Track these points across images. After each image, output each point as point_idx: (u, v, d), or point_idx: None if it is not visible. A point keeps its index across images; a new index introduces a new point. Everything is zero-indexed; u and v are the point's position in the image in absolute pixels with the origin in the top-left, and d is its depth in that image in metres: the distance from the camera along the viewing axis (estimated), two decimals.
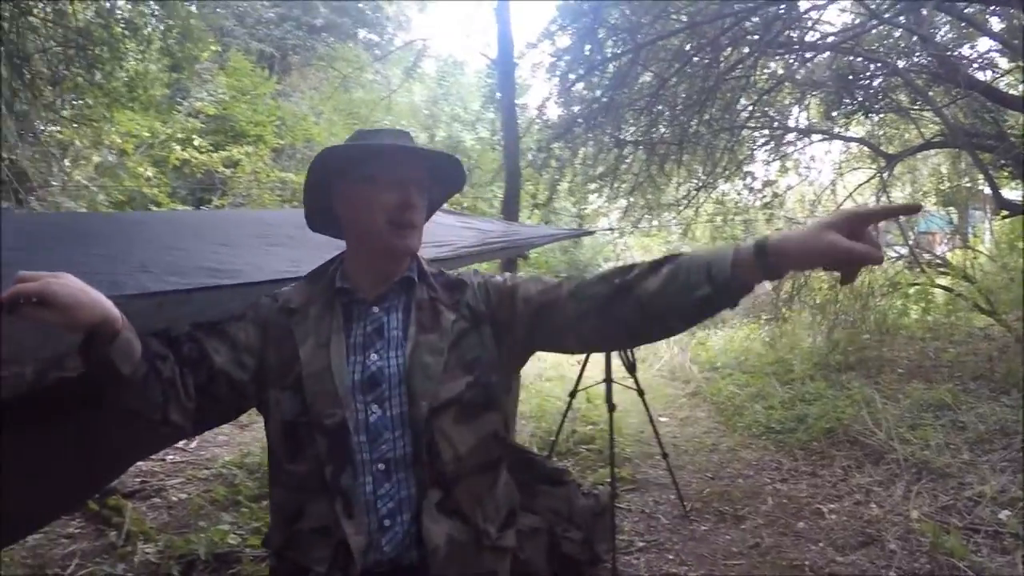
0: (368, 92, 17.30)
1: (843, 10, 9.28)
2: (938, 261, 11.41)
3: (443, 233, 3.59)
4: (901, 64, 8.48)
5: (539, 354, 1.95)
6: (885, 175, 9.56)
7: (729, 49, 7.97)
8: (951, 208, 12.39)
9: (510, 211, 6.89)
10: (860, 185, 10.61)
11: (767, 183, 11.21)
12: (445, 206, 2.40)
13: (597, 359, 5.46)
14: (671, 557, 4.90)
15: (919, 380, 8.22)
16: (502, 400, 1.81)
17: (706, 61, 7.95)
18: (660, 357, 12.76)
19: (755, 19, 7.76)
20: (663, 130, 9.46)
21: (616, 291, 1.59)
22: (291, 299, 1.79)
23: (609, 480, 5.18)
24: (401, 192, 1.71)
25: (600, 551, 3.34)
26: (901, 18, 7.61)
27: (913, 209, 1.63)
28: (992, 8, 7.59)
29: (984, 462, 5.85)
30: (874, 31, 8.44)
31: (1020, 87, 8.89)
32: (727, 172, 10.51)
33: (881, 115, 10.32)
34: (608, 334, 1.67)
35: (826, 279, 10.78)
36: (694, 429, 8.34)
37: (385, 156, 1.72)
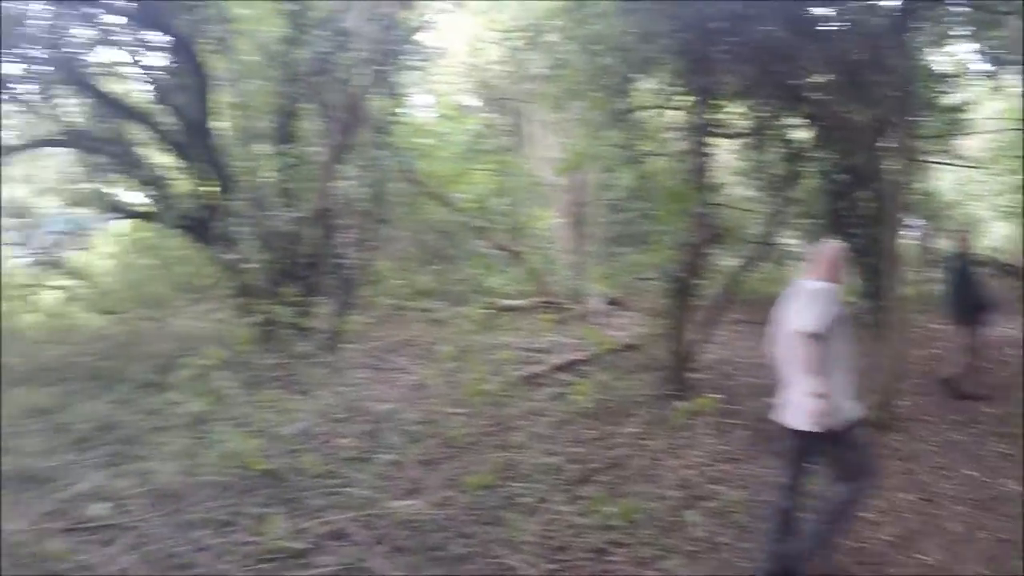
0: None
1: None
2: (58, 261, 11.75)
3: None
4: (29, 55, 8.75)
5: None
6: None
7: None
8: (77, 208, 12.46)
9: None
10: None
11: None
12: None
13: None
14: None
15: (26, 385, 7.93)
16: None
17: None
18: None
19: None
20: None
21: None
22: None
23: None
24: None
25: None
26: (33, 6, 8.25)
27: None
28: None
29: (85, 461, 5.94)
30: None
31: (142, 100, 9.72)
32: None
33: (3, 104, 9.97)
34: None
35: None
36: None
37: None
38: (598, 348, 9.13)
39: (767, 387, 7.52)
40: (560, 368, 9.05)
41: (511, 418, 7.12)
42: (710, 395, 6.90)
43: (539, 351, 9.93)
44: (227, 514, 4.84)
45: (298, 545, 4.40)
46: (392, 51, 9.71)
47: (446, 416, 6.98)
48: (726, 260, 9.72)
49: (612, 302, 14.19)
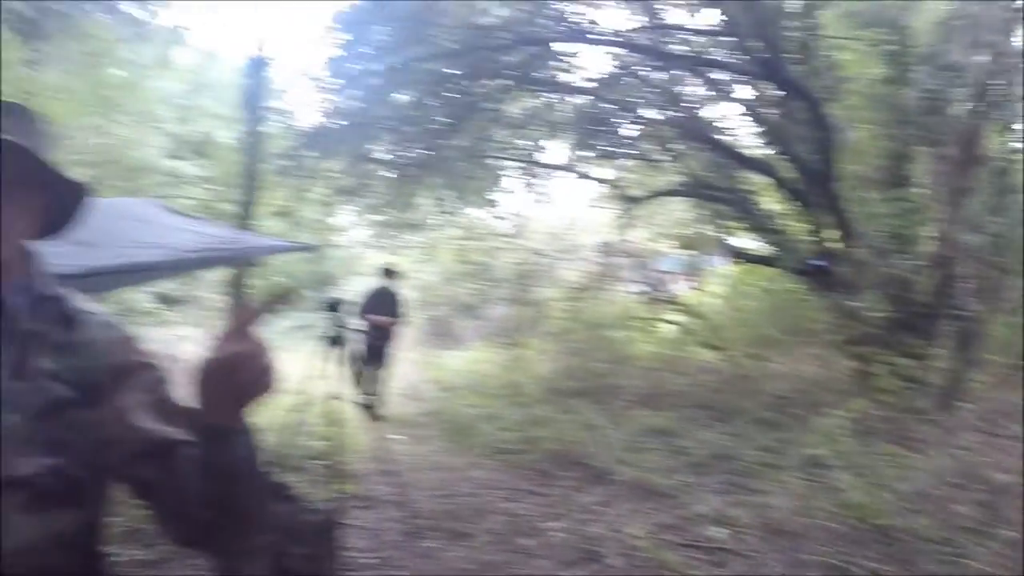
0: (123, 70, 15.19)
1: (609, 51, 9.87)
2: (672, 298, 12.77)
3: (156, 235, 3.79)
4: (649, 115, 10.35)
5: None
6: (627, 217, 11.90)
7: (486, 80, 9.23)
8: (690, 251, 13.26)
9: (244, 216, 7.80)
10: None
11: (513, 213, 14.23)
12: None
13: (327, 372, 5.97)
14: (397, 574, 5.11)
15: (645, 407, 9.02)
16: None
17: (460, 89, 9.19)
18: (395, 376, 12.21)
19: (512, 55, 9.00)
20: (415, 152, 10.63)
21: None
22: None
23: (338, 496, 5.48)
24: None
25: (325, 568, 3.63)
26: (653, 74, 9.66)
27: (283, 299, 1.34)
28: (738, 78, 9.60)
29: (702, 484, 6.55)
30: (624, 81, 9.92)
31: (757, 150, 10.44)
32: (474, 199, 12.66)
33: (627, 159, 11.83)
34: None
35: (562, 308, 13.22)
36: (426, 448, 8.74)
37: None
38: None
39: None
40: None
41: None
42: None
43: None
44: (840, 561, 4.93)
45: None
46: (1005, 81, 9.01)
47: None
48: None
49: None
